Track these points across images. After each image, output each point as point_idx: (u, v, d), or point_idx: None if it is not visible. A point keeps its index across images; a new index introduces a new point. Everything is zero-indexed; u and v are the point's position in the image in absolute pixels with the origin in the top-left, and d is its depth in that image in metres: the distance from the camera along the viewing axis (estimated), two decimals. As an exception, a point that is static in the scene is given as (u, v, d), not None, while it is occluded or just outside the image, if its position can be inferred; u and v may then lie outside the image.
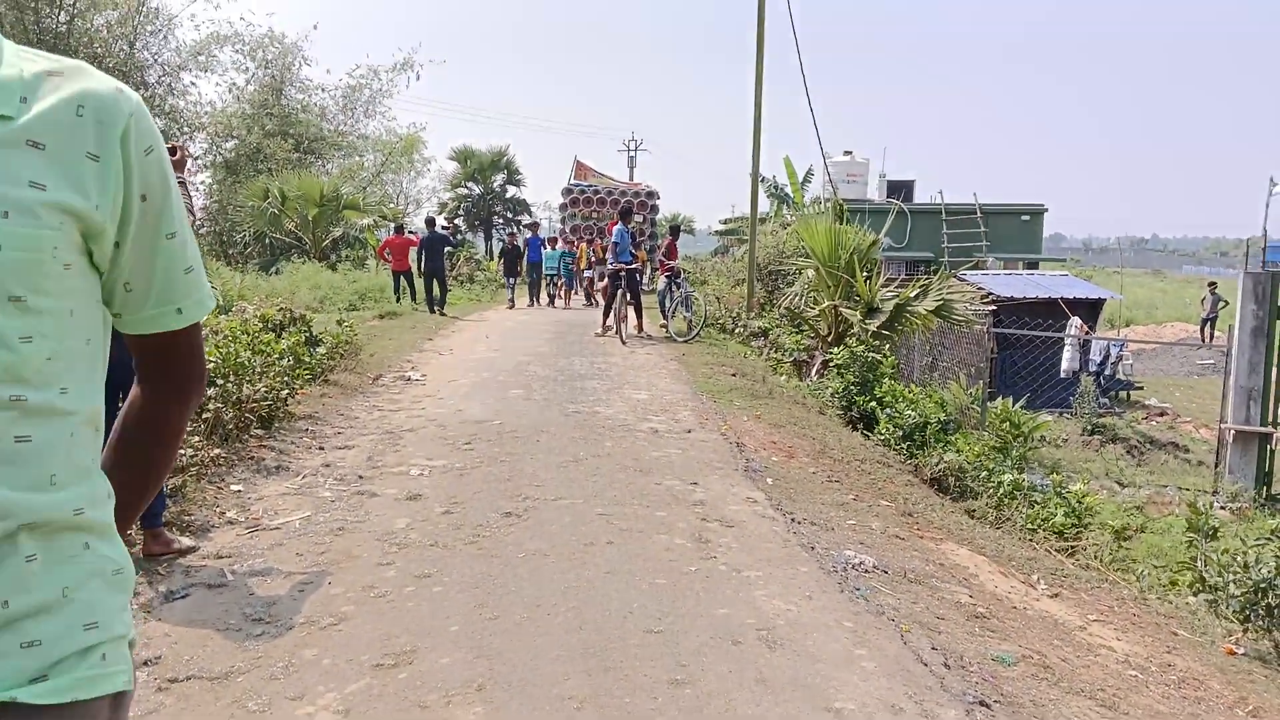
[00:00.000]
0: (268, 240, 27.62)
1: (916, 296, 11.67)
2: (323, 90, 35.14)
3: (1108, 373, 16.45)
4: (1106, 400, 17.35)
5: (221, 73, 32.26)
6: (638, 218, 30.49)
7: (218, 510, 5.08)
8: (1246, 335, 11.06)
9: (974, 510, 7.60)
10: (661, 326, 14.99)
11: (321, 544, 4.60)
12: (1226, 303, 26.58)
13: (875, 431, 9.48)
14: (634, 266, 13.93)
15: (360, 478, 5.85)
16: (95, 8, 24.86)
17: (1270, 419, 11.20)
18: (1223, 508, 11.00)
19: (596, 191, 30.09)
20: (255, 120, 32.17)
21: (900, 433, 8.80)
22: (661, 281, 15.45)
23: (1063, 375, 16.23)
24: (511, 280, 20.00)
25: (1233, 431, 11.14)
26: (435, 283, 18.01)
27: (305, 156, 32.68)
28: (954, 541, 6.03)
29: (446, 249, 19.09)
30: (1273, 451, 11.33)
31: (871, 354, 10.56)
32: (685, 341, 13.74)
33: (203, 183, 32.95)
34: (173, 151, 4.42)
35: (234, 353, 6.63)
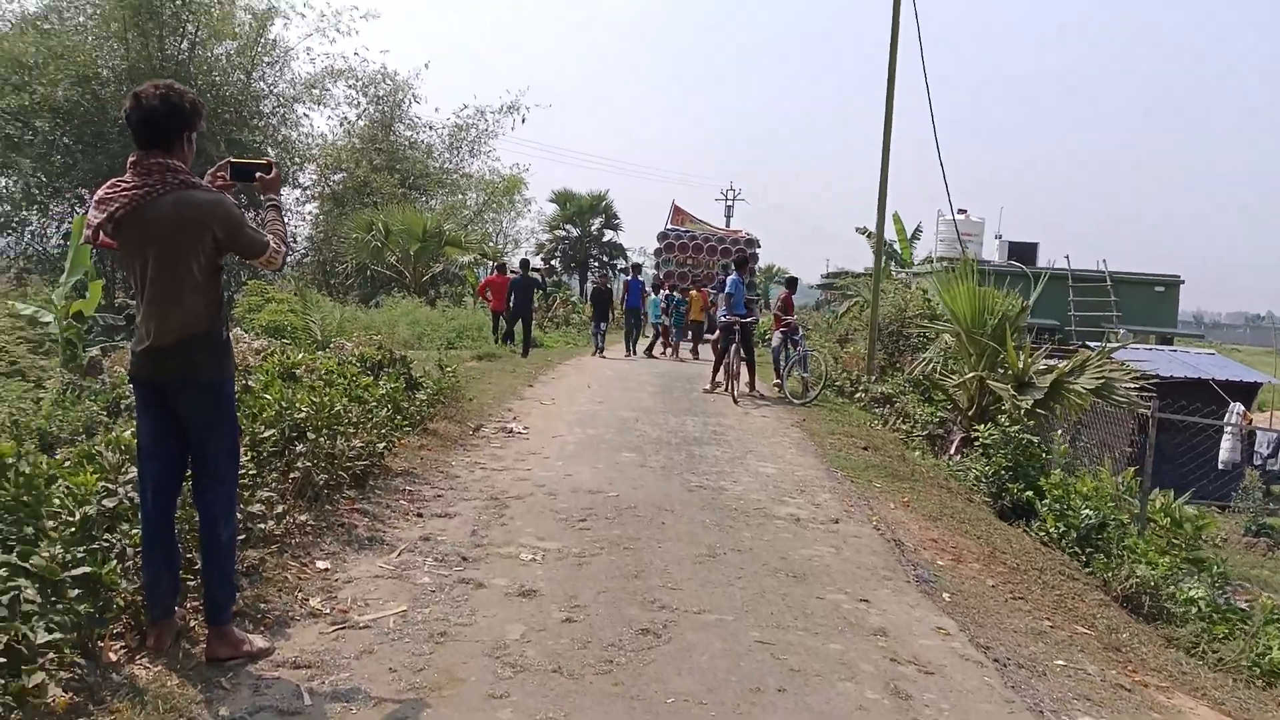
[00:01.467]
0: (369, 273, 27.57)
1: (1073, 372, 10.40)
2: (430, 128, 35.35)
3: (1277, 467, 14.75)
4: (1236, 492, 15.62)
5: (334, 106, 32.72)
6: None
7: (299, 596, 4.23)
8: None
9: (1175, 639, 6.33)
10: (775, 385, 14.01)
11: (420, 655, 3.70)
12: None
13: (1035, 526, 8.27)
14: (749, 320, 13.05)
15: (464, 559, 4.96)
16: (216, 37, 25.28)
17: None
18: None
19: (694, 237, 29.19)
20: (364, 154, 32.45)
21: (1075, 534, 7.56)
22: (776, 338, 14.43)
23: (1220, 467, 14.60)
24: (601, 326, 18.91)
25: None
26: (521, 324, 17.44)
27: (410, 192, 32.79)
28: (1184, 693, 4.83)
29: (537, 292, 18.59)
30: None
31: (1026, 435, 9.34)
32: (803, 404, 12.69)
33: (310, 213, 33.42)
34: (267, 169, 3.67)
35: (328, 401, 5.87)
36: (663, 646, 3.90)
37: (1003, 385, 10.21)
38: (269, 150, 28.57)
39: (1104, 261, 24.94)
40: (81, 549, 3.34)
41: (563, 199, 44.13)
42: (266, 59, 26.87)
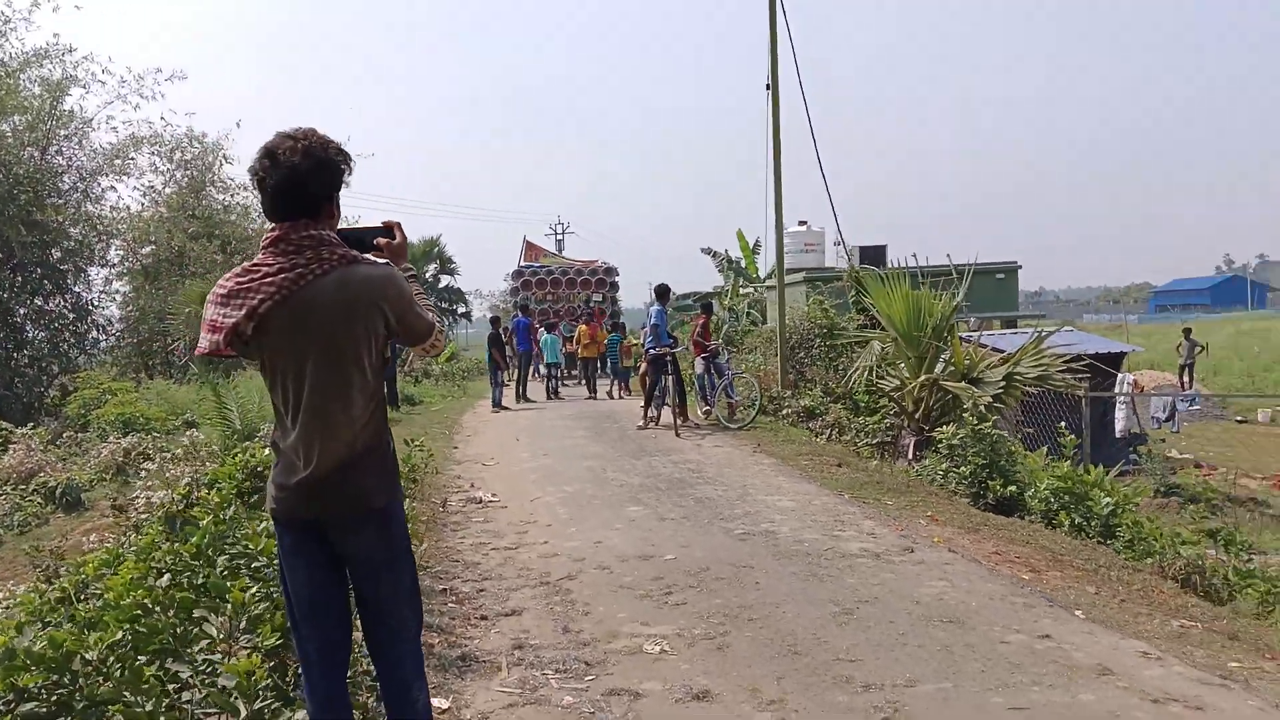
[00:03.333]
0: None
1: (1018, 364, 10.57)
2: (245, 189, 33.03)
3: (1175, 429, 15.67)
4: (1135, 457, 16.59)
5: (139, 175, 30.01)
6: (597, 296, 29.10)
7: (448, 751, 3.41)
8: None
9: (1240, 613, 6.33)
10: (705, 412, 13.52)
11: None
12: (1203, 347, 26.64)
13: (1024, 517, 8.23)
14: (678, 350, 12.58)
15: (586, 665, 4.24)
16: (3, 112, 22.66)
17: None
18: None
19: (550, 272, 28.47)
20: (174, 223, 29.89)
21: (1096, 523, 7.52)
22: (699, 364, 13.74)
23: (1118, 435, 15.38)
24: (499, 375, 17.20)
25: (1371, 486, 10.25)
26: (386, 387, 16.45)
27: (233, 258, 30.49)
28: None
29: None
30: None
31: (997, 431, 9.35)
32: (740, 429, 12.35)
33: (118, 291, 30.47)
34: (390, 234, 2.89)
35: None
36: (920, 734, 3.35)
37: (959, 385, 10.23)
38: (70, 230, 25.94)
39: (949, 256, 26.14)
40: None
41: (391, 248, 42.44)
42: (63, 131, 24.30)
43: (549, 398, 18.32)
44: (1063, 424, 9.92)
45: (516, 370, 18.80)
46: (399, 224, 2.95)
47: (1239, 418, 23.08)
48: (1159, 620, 5.08)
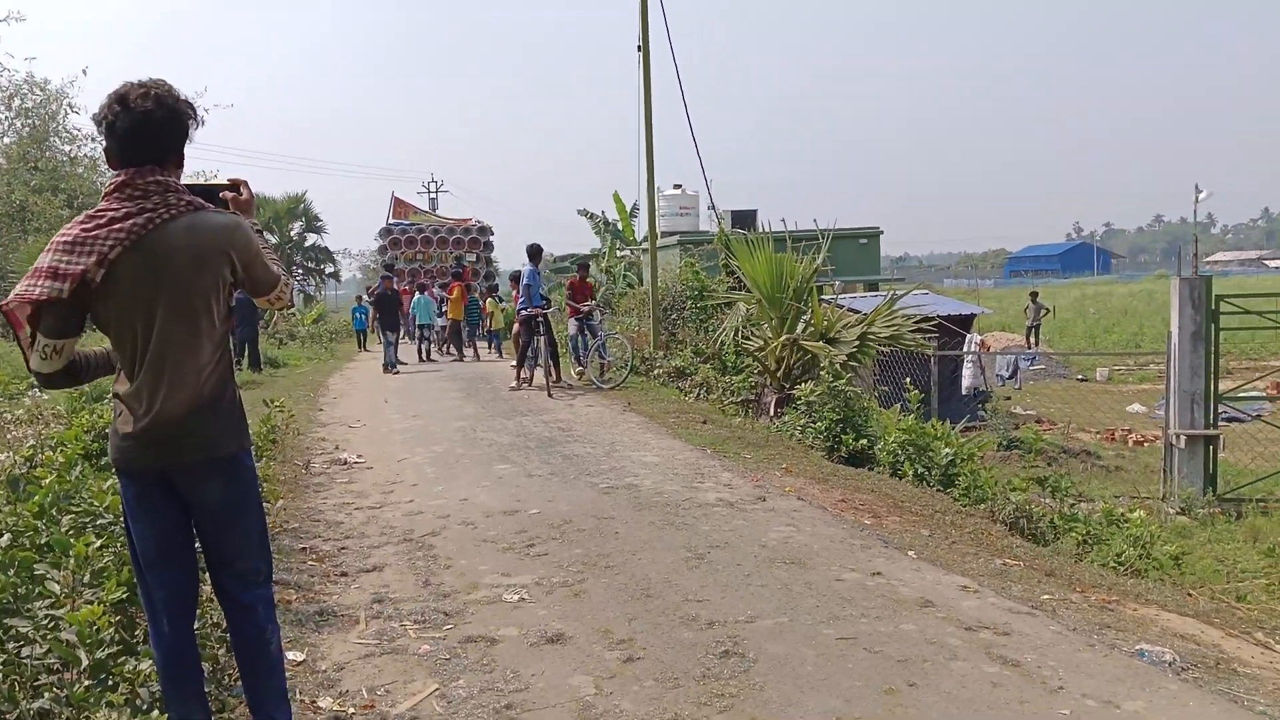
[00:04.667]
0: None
1: (871, 324, 11.09)
2: (94, 140, 31.03)
3: (1018, 386, 16.67)
4: (983, 414, 17.64)
5: (-27, 123, 27.83)
6: (470, 257, 28.60)
7: (305, 700, 3.47)
8: (1186, 340, 11.22)
9: (1060, 553, 6.92)
10: (578, 373, 13.63)
11: (510, 741, 3.16)
12: (1048, 310, 28.34)
13: (873, 468, 8.73)
14: (549, 310, 12.65)
15: (445, 615, 4.34)
16: None
17: (1212, 421, 11.42)
18: (1180, 512, 11.08)
19: (420, 230, 27.62)
20: (14, 175, 27.90)
21: (936, 472, 8.04)
22: (572, 325, 13.89)
23: (964, 392, 16.29)
24: (391, 336, 16.87)
25: (1183, 437, 11.24)
26: (248, 348, 16.11)
27: (79, 213, 28.68)
28: (1134, 603, 5.24)
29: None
30: (1214, 454, 11.56)
31: (851, 388, 9.82)
32: (612, 389, 12.54)
33: (-51, 248, 28.30)
34: (236, 189, 2.90)
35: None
36: (759, 665, 3.60)
37: (816, 344, 10.67)
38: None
39: (815, 220, 26.92)
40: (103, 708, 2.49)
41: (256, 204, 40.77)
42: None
43: (420, 360, 18.09)
44: (908, 380, 10.47)
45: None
46: (245, 181, 2.95)
47: (1080, 376, 24.73)
48: (984, 559, 5.52)
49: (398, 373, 16.09)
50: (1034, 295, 27.48)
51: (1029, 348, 26.94)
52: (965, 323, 19.17)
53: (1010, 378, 17.28)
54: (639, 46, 14.49)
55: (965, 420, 13.35)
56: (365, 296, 23.90)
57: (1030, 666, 3.57)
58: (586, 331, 13.63)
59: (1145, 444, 16.16)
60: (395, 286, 18.44)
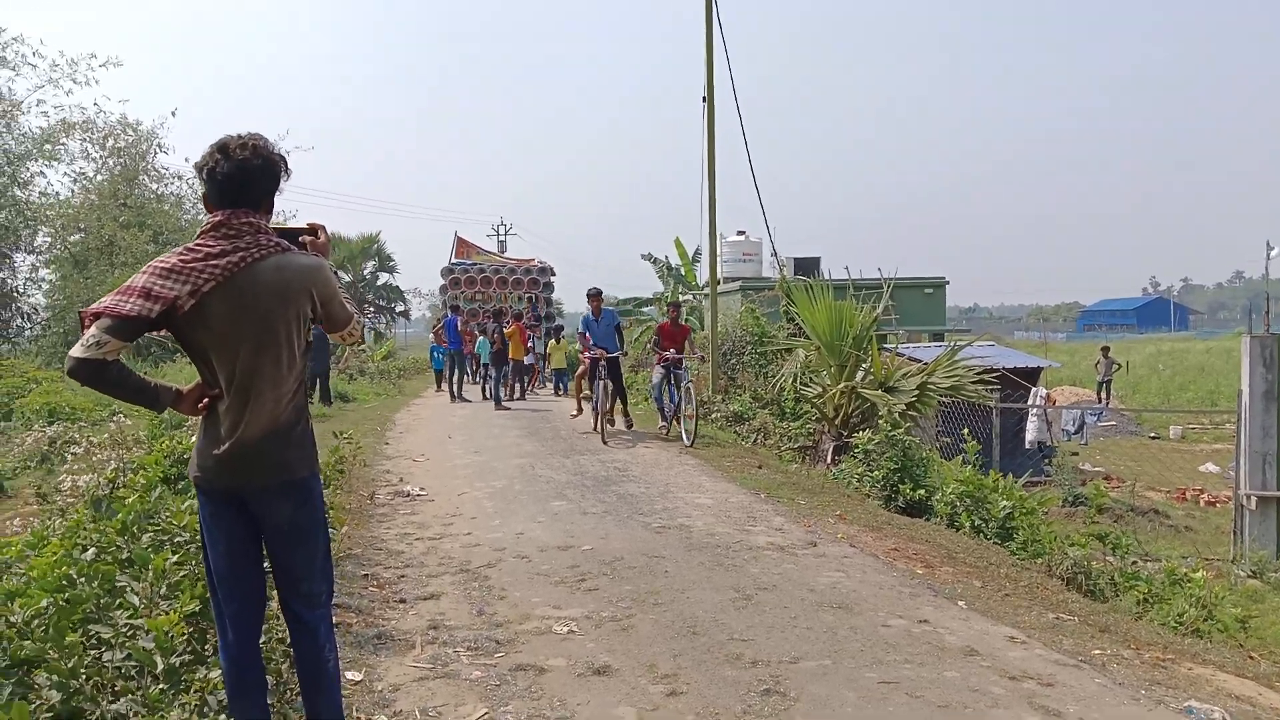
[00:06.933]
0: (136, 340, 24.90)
1: (932, 374, 11.06)
2: (179, 178, 32.48)
3: (1085, 442, 16.37)
4: (1048, 468, 17.30)
5: (69, 161, 29.33)
6: (529, 297, 28.93)
7: (358, 715, 3.63)
8: (1258, 399, 10.94)
9: (1118, 611, 6.80)
10: (661, 428, 12.24)
11: (552, 764, 3.26)
12: (1120, 365, 27.72)
13: (930, 519, 8.66)
14: (616, 355, 12.22)
15: (497, 644, 4.48)
16: (-72, 94, 22.15)
17: (1286, 482, 11.07)
18: (1252, 576, 10.73)
19: (482, 270, 27.75)
20: (104, 211, 29.28)
21: (993, 525, 7.97)
22: (656, 373, 12.28)
23: (1028, 446, 16.04)
24: (495, 374, 17.18)
25: (1254, 498, 10.92)
26: (320, 383, 16.71)
27: (164, 248, 29.99)
28: (1190, 661, 5.15)
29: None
30: (1290, 516, 11.18)
31: (909, 438, 9.78)
32: (692, 444, 11.12)
33: (45, 279, 29.79)
34: (314, 234, 3.12)
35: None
36: (799, 705, 3.66)
37: (875, 393, 10.67)
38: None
39: (880, 269, 26.85)
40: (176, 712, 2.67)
41: (331, 244, 42.08)
42: (-9, 114, 23.77)
43: (485, 398, 18.44)
44: (966, 430, 10.39)
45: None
46: (323, 225, 3.18)
47: (1152, 434, 24.10)
48: (1037, 612, 5.48)
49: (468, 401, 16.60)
50: (1105, 350, 26.93)
51: (1099, 403, 26.35)
52: (1031, 376, 18.90)
53: (1076, 433, 16.96)
54: (704, 98, 14.79)
55: (1028, 474, 13.14)
56: (431, 335, 24.38)
57: (1071, 717, 3.56)
58: (673, 380, 11.92)
59: (1217, 505, 15.68)
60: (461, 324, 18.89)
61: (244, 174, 2.75)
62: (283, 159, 2.88)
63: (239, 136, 2.80)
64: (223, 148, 2.76)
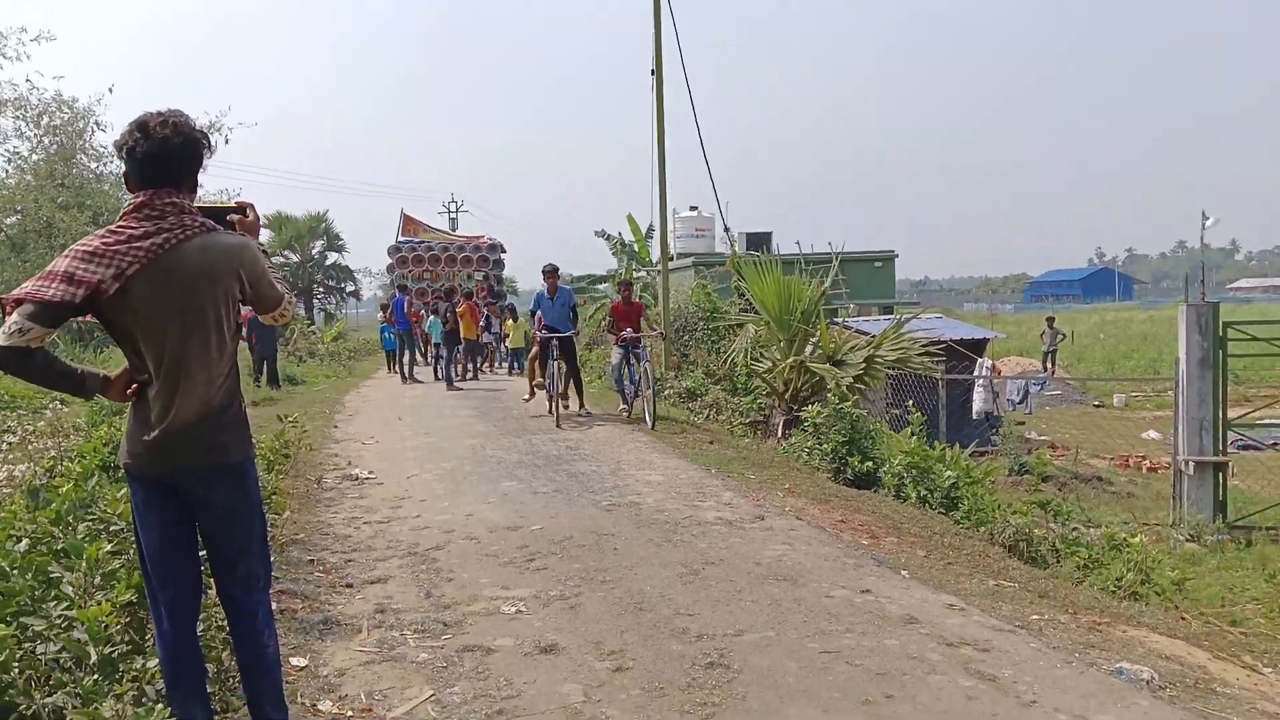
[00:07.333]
0: (74, 323, 24.30)
1: (878, 347, 11.20)
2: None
3: (1029, 411, 16.70)
4: (995, 438, 17.64)
5: (2, 140, 28.36)
6: (479, 275, 28.60)
7: (304, 703, 3.62)
8: (1194, 366, 11.25)
9: (1057, 576, 6.98)
10: (623, 411, 11.84)
11: (498, 743, 3.28)
12: (1064, 335, 28.30)
13: (878, 490, 8.80)
14: (569, 334, 11.78)
15: (444, 625, 4.48)
16: None
17: (1220, 448, 11.42)
18: (1190, 539, 11.07)
19: (430, 248, 27.16)
20: (41, 192, 28.41)
21: (938, 495, 8.12)
22: (615, 354, 11.95)
23: (975, 417, 16.33)
24: (446, 354, 17.11)
25: (1191, 463, 11.25)
26: (266, 366, 16.45)
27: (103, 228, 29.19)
28: (1125, 624, 5.31)
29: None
30: (1224, 480, 11.55)
31: (856, 410, 9.91)
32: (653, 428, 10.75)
33: (-16, 263, 28.86)
34: (243, 212, 3.07)
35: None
36: (743, 677, 3.71)
37: (823, 366, 10.78)
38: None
39: (830, 244, 27.05)
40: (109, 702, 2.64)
41: (278, 223, 41.31)
42: (-85, 90, 22.86)
43: (436, 379, 18.30)
44: (911, 402, 10.55)
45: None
46: (252, 204, 3.12)
47: (1096, 402, 24.67)
48: (978, 580, 5.60)
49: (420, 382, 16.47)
50: (1050, 320, 27.47)
51: (1044, 373, 26.88)
52: (978, 347, 19.22)
53: (1021, 402, 17.30)
54: (652, 70, 14.72)
55: (975, 444, 13.40)
56: (380, 315, 24.04)
57: (1006, 681, 3.67)
58: (631, 360, 11.69)
59: (1159, 471, 16.12)
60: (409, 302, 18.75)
61: (165, 152, 2.69)
62: (205, 136, 2.82)
63: (159, 114, 2.74)
64: (142, 126, 2.70)
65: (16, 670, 2.87)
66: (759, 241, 28.37)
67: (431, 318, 18.39)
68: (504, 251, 28.98)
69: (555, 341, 11.62)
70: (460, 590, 5.02)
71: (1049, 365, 26.91)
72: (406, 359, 18.66)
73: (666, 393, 13.99)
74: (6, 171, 28.41)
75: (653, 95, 14.81)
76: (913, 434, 10.17)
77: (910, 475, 8.54)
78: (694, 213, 32.08)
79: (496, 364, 22.02)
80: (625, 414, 11.73)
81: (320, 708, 3.61)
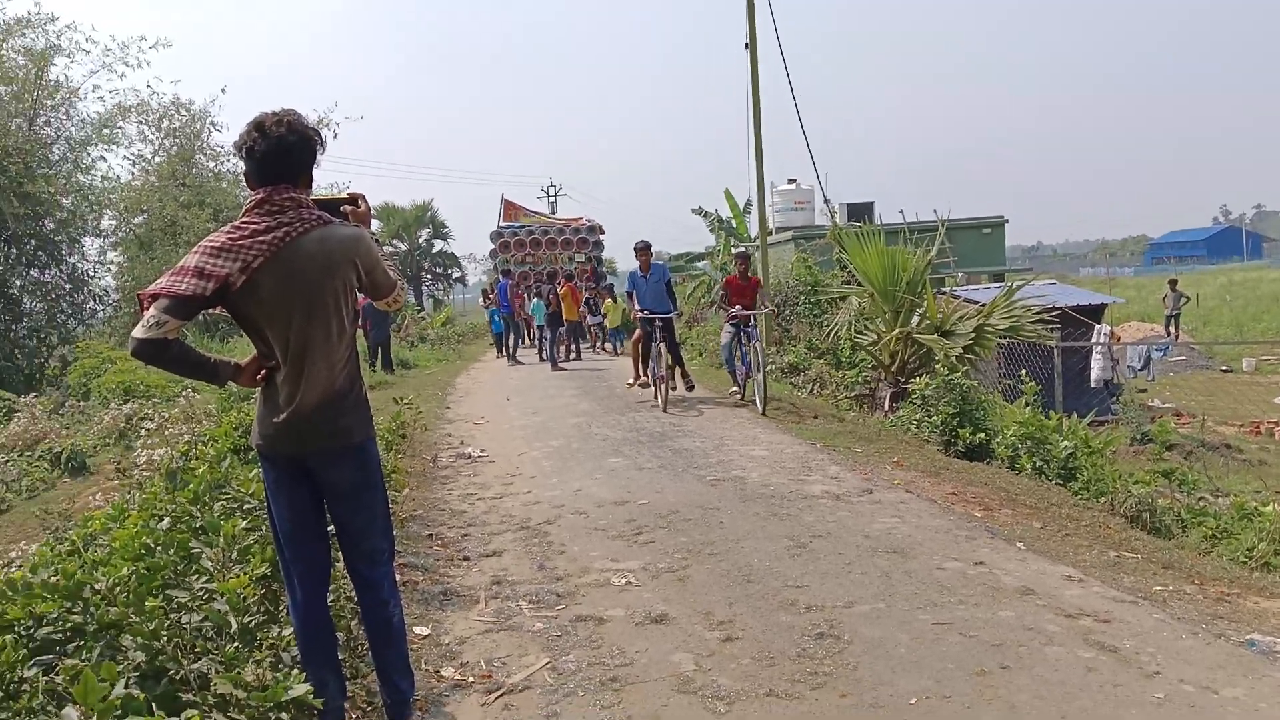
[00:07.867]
0: (202, 316, 25.62)
1: (989, 316, 10.89)
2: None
3: (1151, 378, 16.01)
4: (1116, 407, 16.93)
5: (127, 145, 29.99)
6: (579, 257, 28.81)
7: (428, 670, 3.78)
8: (1333, 327, 10.57)
9: (1183, 547, 6.71)
10: (733, 393, 11.33)
11: (611, 708, 3.37)
12: (1188, 298, 26.93)
13: (991, 462, 8.57)
14: (670, 315, 11.32)
15: (558, 596, 4.61)
16: (-12, 84, 22.77)
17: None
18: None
19: (530, 232, 27.49)
20: (165, 192, 29.94)
21: (1055, 466, 7.89)
22: (725, 332, 11.36)
23: (1093, 385, 15.72)
24: (550, 336, 17.45)
25: (1331, 429, 10.60)
26: (381, 351, 16.95)
27: (225, 225, 30.58)
28: (1256, 595, 5.08)
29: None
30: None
31: (967, 381, 9.67)
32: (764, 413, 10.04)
33: (114, 262, 30.65)
34: (354, 203, 3.18)
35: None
36: (853, 647, 3.72)
37: (931, 338, 10.55)
38: (62, 200, 26.03)
39: (936, 211, 26.34)
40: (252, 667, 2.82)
41: (385, 213, 42.52)
42: (49, 101, 24.32)
43: (541, 360, 18.62)
44: (1024, 372, 10.22)
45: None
46: (364, 195, 3.25)
47: (1224, 367, 23.45)
48: (1097, 551, 5.44)
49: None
50: (1173, 283, 26.15)
51: (1167, 338, 25.65)
52: (1094, 313, 18.46)
53: (1143, 369, 16.56)
54: (746, 44, 14.58)
55: (1094, 413, 12.91)
56: (482, 300, 24.48)
57: (1128, 652, 3.57)
58: (742, 339, 10.89)
59: (1294, 438, 15.27)
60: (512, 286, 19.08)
61: (281, 150, 2.83)
62: (317, 133, 2.95)
63: (274, 114, 2.87)
64: (259, 125, 2.84)
65: (165, 638, 3.08)
66: (860, 212, 27.82)
67: (535, 300, 18.68)
68: (603, 233, 29.16)
69: (658, 323, 11.18)
70: (571, 563, 5.15)
71: (1172, 330, 25.65)
72: (511, 341, 19.04)
73: (769, 368, 13.90)
74: (132, 174, 30.04)
75: (747, 68, 14.67)
76: (1027, 404, 9.87)
77: (1025, 446, 8.31)
78: (792, 185, 31.58)
79: (599, 344, 22.24)
80: (737, 396, 11.20)
81: (443, 674, 3.77)
